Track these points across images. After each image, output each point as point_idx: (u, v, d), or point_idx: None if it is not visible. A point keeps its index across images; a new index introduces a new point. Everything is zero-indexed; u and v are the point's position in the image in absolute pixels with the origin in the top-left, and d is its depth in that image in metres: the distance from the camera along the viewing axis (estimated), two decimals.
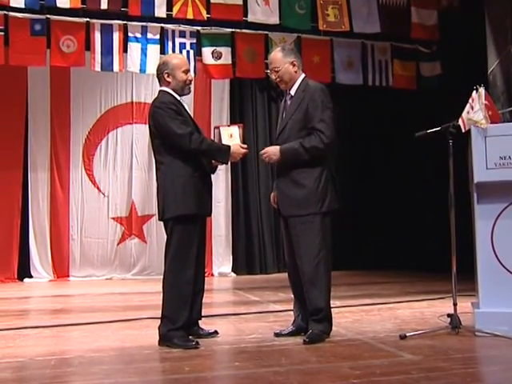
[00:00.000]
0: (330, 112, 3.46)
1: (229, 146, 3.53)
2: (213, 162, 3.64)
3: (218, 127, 3.73)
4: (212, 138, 3.69)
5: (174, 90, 3.54)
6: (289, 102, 3.57)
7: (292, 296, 3.68)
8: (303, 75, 3.59)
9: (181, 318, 3.34)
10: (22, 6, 6.71)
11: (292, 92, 3.56)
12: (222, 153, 3.54)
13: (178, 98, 3.55)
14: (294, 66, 3.54)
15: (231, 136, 3.60)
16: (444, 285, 4.66)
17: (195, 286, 3.47)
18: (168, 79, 3.54)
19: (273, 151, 3.50)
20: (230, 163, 3.89)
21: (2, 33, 6.81)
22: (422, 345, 3.21)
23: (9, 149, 8.33)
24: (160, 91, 3.61)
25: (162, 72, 3.57)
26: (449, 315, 3.56)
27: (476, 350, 3.20)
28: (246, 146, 3.60)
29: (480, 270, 3.52)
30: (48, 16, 7.01)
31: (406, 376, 2.57)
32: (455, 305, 3.51)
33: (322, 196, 3.44)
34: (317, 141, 3.40)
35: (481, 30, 6.79)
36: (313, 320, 3.40)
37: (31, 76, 8.40)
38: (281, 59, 3.54)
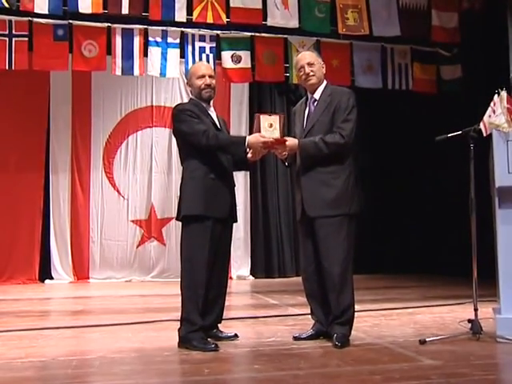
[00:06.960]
0: (356, 115, 3.50)
1: (244, 138, 3.45)
2: (247, 157, 3.54)
3: (258, 115, 3.54)
4: (253, 124, 3.54)
5: (196, 97, 3.65)
6: (312, 106, 3.58)
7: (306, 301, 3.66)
8: (325, 81, 3.63)
9: (198, 321, 3.35)
10: (46, 12, 6.82)
11: (316, 96, 3.57)
12: (235, 146, 3.49)
13: (205, 104, 3.62)
14: (323, 68, 3.63)
15: (271, 126, 3.42)
16: (465, 290, 4.61)
17: (218, 289, 3.51)
18: (190, 88, 3.74)
19: (291, 145, 3.42)
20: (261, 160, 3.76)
21: (26, 38, 6.94)
22: (442, 350, 3.19)
23: (31, 151, 8.46)
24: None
25: (187, 82, 3.83)
26: (469, 321, 3.53)
27: (497, 357, 3.16)
28: (266, 136, 3.38)
29: (501, 275, 3.48)
30: (70, 21, 7.11)
31: (426, 381, 2.55)
32: (476, 310, 3.48)
33: (351, 197, 3.44)
34: (337, 137, 3.41)
35: (503, 32, 6.72)
36: (336, 323, 3.39)
37: (53, 80, 8.52)
38: (316, 57, 3.63)
